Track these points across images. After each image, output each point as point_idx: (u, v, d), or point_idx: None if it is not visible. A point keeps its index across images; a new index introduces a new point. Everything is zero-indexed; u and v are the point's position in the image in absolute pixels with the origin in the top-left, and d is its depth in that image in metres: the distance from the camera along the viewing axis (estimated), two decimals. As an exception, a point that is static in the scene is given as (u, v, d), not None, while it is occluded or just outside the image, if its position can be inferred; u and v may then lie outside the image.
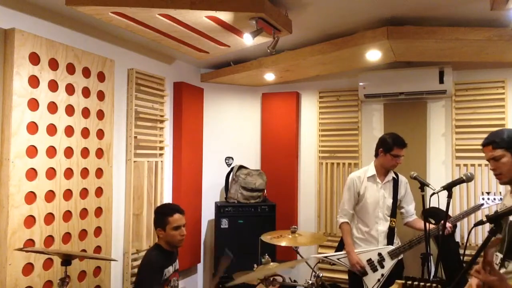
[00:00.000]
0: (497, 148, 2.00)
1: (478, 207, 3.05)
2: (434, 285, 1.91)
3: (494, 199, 3.12)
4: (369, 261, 3.06)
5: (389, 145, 3.04)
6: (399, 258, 3.09)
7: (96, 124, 3.00)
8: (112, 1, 2.38)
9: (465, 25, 2.93)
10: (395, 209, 3.14)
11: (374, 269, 3.04)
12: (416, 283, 1.97)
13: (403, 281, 2.02)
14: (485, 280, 1.50)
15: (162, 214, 2.66)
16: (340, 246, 3.26)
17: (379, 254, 3.06)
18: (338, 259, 3.12)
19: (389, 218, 3.11)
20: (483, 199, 3.12)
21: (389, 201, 3.12)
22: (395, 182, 3.16)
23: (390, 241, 3.11)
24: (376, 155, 3.16)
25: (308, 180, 4.38)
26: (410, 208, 3.20)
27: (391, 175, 3.16)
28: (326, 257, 3.18)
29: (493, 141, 2.03)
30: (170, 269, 2.66)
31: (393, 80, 3.76)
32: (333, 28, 3.19)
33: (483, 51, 3.18)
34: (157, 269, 2.55)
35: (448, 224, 2.90)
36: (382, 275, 3.01)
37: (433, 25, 2.99)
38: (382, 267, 3.04)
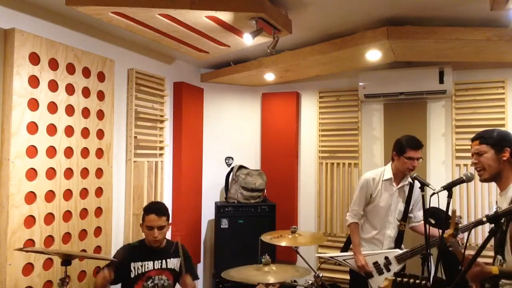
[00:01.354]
0: (483, 143, 2.04)
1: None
2: (423, 282, 1.90)
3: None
4: (375, 264, 3.01)
5: (402, 147, 2.90)
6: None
7: (96, 124, 3.00)
8: (112, 1, 2.38)
9: (465, 25, 2.93)
10: (407, 213, 3.06)
11: (380, 272, 2.99)
12: (406, 279, 1.95)
13: (393, 278, 2.01)
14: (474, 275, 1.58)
15: (143, 210, 2.74)
16: (347, 245, 3.23)
17: (386, 258, 3.00)
18: (344, 260, 3.07)
19: (399, 222, 3.04)
20: (494, 208, 3.05)
21: (402, 206, 3.03)
22: (411, 186, 3.03)
23: (397, 245, 3.05)
24: (392, 159, 3.04)
25: (308, 180, 4.38)
26: (419, 214, 3.11)
27: (408, 179, 3.01)
28: (332, 257, 3.15)
29: (482, 136, 2.08)
30: (148, 265, 2.66)
31: (393, 80, 3.76)
32: (333, 28, 3.19)
33: (483, 51, 3.18)
34: (118, 260, 2.58)
35: (459, 236, 2.81)
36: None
37: (433, 25, 2.99)
38: (388, 270, 2.98)
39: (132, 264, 2.61)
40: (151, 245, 2.69)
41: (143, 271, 2.64)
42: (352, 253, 3.07)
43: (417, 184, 3.00)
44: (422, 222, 3.00)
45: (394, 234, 3.05)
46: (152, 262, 2.68)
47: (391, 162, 3.07)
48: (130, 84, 3.38)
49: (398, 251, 3.00)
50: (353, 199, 3.16)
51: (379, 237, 3.05)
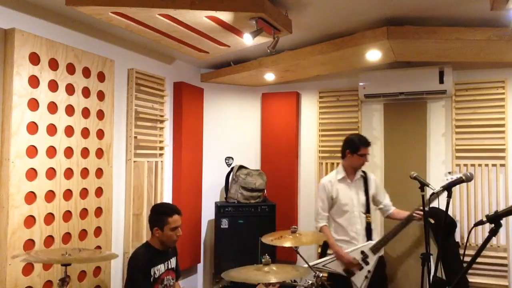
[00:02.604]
0: None
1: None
2: None
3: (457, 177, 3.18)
4: (354, 260, 3.10)
5: (356, 146, 3.18)
6: (381, 252, 3.17)
7: (96, 124, 3.00)
8: (112, 1, 2.38)
9: (465, 25, 2.93)
10: (369, 205, 3.23)
11: (360, 267, 3.10)
12: None
13: None
14: None
15: (162, 213, 2.66)
16: (324, 251, 3.30)
17: (362, 252, 3.11)
18: (324, 265, 3.13)
19: (365, 215, 3.20)
20: (447, 179, 3.18)
21: (363, 198, 3.21)
22: (365, 179, 3.28)
23: (369, 237, 3.18)
24: (343, 156, 3.27)
25: (308, 180, 4.37)
26: (387, 202, 3.32)
27: (360, 173, 3.28)
28: (311, 266, 3.18)
29: None
30: (161, 267, 2.65)
31: (393, 80, 3.76)
32: (333, 28, 3.19)
33: (483, 51, 3.18)
34: (143, 268, 2.55)
35: (419, 211, 3.02)
36: (369, 271, 3.08)
37: (433, 25, 2.99)
38: (367, 263, 3.09)
39: (153, 269, 2.61)
40: (167, 246, 2.69)
41: (159, 274, 2.64)
42: (329, 257, 3.15)
43: (370, 176, 3.32)
44: (394, 208, 3.31)
45: (364, 228, 3.18)
46: (163, 264, 2.69)
47: (341, 163, 3.32)
48: (130, 84, 3.38)
49: (372, 243, 3.12)
50: (316, 206, 3.34)
51: (353, 235, 3.17)
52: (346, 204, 3.19)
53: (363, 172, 3.31)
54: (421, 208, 2.95)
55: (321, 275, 2.53)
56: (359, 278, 3.07)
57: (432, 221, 3.45)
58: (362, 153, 3.17)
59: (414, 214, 3.02)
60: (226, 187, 4.24)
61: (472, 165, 3.64)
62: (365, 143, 3.21)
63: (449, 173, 3.19)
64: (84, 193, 2.89)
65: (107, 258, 2.95)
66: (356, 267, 3.07)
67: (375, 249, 3.10)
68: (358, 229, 3.16)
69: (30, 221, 2.51)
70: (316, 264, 3.15)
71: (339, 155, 4.19)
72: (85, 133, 2.91)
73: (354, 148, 3.19)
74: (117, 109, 3.23)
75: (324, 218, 3.24)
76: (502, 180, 3.53)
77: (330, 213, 3.27)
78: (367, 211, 3.21)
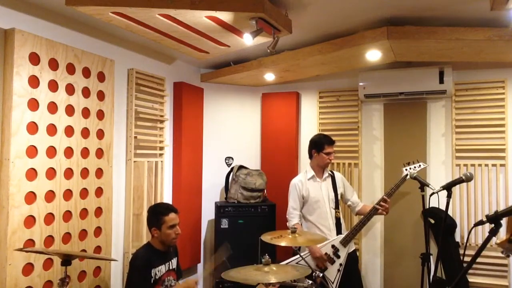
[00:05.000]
0: None
1: (404, 179, 3.25)
2: None
3: (415, 167, 3.32)
4: (325, 255, 3.15)
5: (321, 144, 3.33)
6: (353, 248, 3.31)
7: (96, 124, 3.00)
8: (112, 1, 2.38)
9: (465, 25, 2.93)
10: (338, 201, 3.38)
11: (332, 261, 3.16)
12: None
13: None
14: None
15: (158, 213, 2.67)
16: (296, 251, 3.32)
17: (333, 246, 3.18)
18: (297, 262, 3.14)
19: (334, 211, 3.34)
20: (405, 170, 3.32)
21: (332, 195, 3.36)
22: (332, 178, 3.44)
23: (339, 231, 3.30)
24: (311, 156, 3.42)
25: (308, 180, 4.37)
26: (355, 199, 3.50)
27: (327, 172, 3.45)
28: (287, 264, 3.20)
29: None
30: (162, 268, 2.65)
31: (393, 80, 3.76)
32: (333, 28, 3.19)
33: (483, 51, 3.18)
34: (143, 269, 2.55)
35: (386, 199, 3.17)
36: (341, 264, 3.15)
37: (433, 25, 2.99)
38: (338, 257, 3.17)
39: (153, 270, 2.61)
40: (167, 246, 2.69)
41: (160, 275, 2.64)
42: (303, 253, 3.17)
43: (337, 174, 3.48)
44: (362, 204, 3.49)
45: (334, 223, 3.30)
46: (163, 265, 2.69)
47: (309, 163, 3.45)
48: (130, 84, 3.38)
49: (341, 236, 3.22)
50: (288, 206, 3.41)
51: (325, 231, 3.25)
52: (318, 201, 3.31)
53: (331, 171, 3.50)
54: (382, 201, 3.18)
55: (321, 275, 2.54)
56: (331, 272, 3.13)
57: (432, 221, 3.46)
58: (327, 152, 3.31)
59: (376, 207, 3.17)
60: (226, 187, 4.24)
61: (472, 165, 3.64)
62: (329, 141, 3.34)
63: (408, 163, 3.28)
64: (84, 193, 2.89)
65: (107, 259, 2.96)
66: (327, 262, 3.13)
67: (344, 242, 3.19)
68: (331, 225, 3.28)
69: (30, 221, 2.51)
70: (291, 261, 3.18)
71: (339, 155, 4.22)
72: (85, 133, 2.91)
73: (319, 147, 3.33)
74: (117, 109, 3.23)
75: (296, 216, 3.34)
76: (502, 180, 3.53)
77: (302, 212, 3.37)
78: (337, 206, 3.35)
